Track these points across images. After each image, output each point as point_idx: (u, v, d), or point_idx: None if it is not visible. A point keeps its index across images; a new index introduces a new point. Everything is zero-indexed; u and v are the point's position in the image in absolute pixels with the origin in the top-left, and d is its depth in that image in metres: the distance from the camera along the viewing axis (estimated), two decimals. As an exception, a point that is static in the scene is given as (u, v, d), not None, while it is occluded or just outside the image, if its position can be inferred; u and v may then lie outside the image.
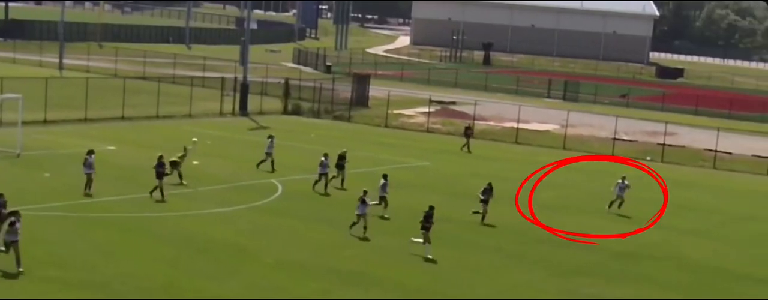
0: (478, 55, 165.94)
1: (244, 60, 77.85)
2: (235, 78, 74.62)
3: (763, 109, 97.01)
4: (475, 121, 70.53)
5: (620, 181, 44.38)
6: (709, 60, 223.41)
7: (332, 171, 44.69)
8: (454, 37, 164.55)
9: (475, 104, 74.58)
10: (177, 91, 74.00)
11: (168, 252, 32.39)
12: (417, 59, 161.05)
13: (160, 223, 36.48)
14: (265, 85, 79.30)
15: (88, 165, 39.69)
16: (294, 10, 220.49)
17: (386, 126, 71.30)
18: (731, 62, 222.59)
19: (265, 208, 40.59)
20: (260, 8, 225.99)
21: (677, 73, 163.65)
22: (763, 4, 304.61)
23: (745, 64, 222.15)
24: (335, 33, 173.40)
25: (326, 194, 43.35)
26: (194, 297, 28.18)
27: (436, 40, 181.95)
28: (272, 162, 48.58)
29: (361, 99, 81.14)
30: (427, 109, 77.21)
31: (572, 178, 53.82)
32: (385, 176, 40.79)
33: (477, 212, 40.28)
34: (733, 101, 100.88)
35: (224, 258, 32.16)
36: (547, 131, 73.74)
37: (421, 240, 33.91)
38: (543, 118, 78.53)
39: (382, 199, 40.12)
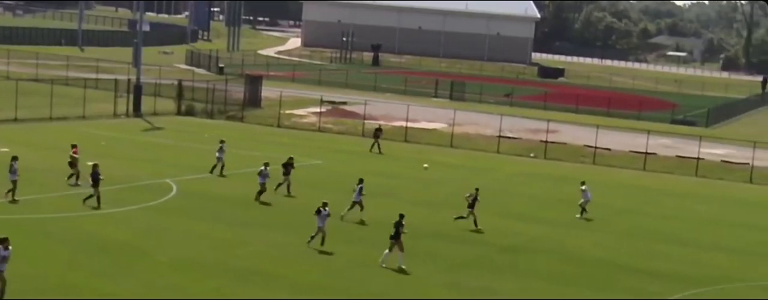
0: (368, 56, 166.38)
1: (136, 61, 76.87)
2: (129, 79, 73.63)
3: (639, 107, 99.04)
4: (366, 121, 70.72)
5: (583, 187, 44.62)
6: (588, 60, 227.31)
7: (278, 178, 44.03)
8: (344, 39, 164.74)
9: (365, 104, 74.81)
10: (70, 92, 72.68)
11: (64, 252, 31.85)
12: (308, 60, 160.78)
13: (56, 224, 35.83)
14: (159, 87, 78.32)
15: (13, 171, 38.74)
16: (186, 12, 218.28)
17: (279, 126, 71.05)
18: (609, 62, 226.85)
19: (160, 207, 40.16)
20: (152, 10, 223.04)
21: (558, 72, 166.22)
22: (638, 5, 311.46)
23: (622, 63, 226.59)
24: (227, 35, 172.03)
25: (266, 204, 42.07)
26: (91, 297, 27.75)
27: (327, 42, 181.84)
28: (222, 167, 48.17)
29: (253, 99, 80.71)
30: (318, 109, 77.16)
31: (457, 175, 54.24)
32: (361, 181, 40.50)
33: (461, 217, 40.29)
34: (611, 99, 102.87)
35: (120, 258, 31.74)
36: (434, 129, 74.29)
37: (389, 251, 33.26)
38: (431, 116, 79.08)
39: (356, 203, 39.87)
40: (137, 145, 57.31)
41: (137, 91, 72.04)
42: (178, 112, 73.90)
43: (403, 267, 32.82)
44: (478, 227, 39.71)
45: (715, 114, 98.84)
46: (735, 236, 43.19)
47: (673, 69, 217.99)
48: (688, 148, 68.52)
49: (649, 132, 68.43)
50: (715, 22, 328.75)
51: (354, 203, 40.05)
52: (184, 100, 75.61)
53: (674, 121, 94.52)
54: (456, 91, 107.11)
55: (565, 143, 69.48)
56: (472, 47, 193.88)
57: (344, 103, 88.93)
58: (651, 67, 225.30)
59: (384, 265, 32.85)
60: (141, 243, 33.80)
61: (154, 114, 71.45)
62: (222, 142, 48.91)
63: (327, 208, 34.77)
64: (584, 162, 63.79)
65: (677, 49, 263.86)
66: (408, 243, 34.90)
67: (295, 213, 40.06)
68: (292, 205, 41.82)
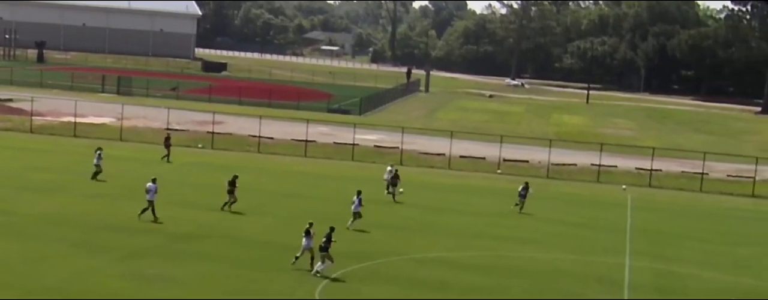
0: (32, 53, 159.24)
1: None
2: None
3: (298, 98, 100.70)
4: (33, 118, 67.72)
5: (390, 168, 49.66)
6: (249, 55, 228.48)
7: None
8: (6, 36, 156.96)
9: (32, 101, 71.70)
10: None
11: None
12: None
13: None
14: None
15: None
16: None
17: (-58, 124, 66.78)
18: (268, 56, 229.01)
19: None
20: None
21: (221, 67, 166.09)
22: (293, 3, 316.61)
23: (280, 57, 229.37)
24: None
25: (157, 221, 38.89)
26: None
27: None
28: (97, 173, 47.68)
29: None
30: (-17, 107, 73.14)
31: (129, 168, 53.04)
32: (359, 192, 40.92)
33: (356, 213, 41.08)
34: (272, 91, 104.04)
35: None
36: (103, 124, 72.29)
37: (321, 263, 32.16)
38: (99, 111, 77.01)
39: (356, 214, 40.21)
40: None
41: None
42: None
43: (328, 275, 32.17)
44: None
45: (367, 103, 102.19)
46: (391, 214, 44.85)
47: (328, 62, 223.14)
48: (344, 135, 70.43)
49: (308, 121, 69.71)
50: (364, 18, 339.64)
51: (355, 214, 40.26)
52: None
53: (330, 110, 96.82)
54: (123, 86, 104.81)
55: (231, 133, 69.54)
56: (137, 43, 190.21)
57: (10, 100, 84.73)
58: (307, 60, 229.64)
59: (318, 276, 31.98)
60: None
61: None
62: (99, 149, 48.58)
63: (313, 229, 33.20)
64: (250, 151, 64.15)
65: (330, 44, 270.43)
66: (86, 237, 33.94)
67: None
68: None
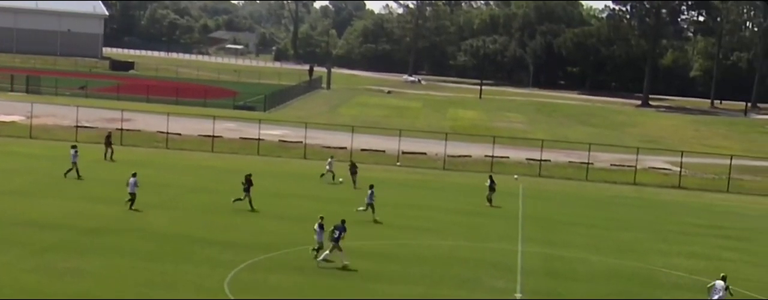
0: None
1: None
2: None
3: (204, 95, 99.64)
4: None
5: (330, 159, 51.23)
6: (156, 54, 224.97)
7: (237, 194, 42.61)
8: None
9: (-60, 100, 69.73)
10: None
11: None
12: None
13: None
14: None
15: None
16: None
17: None
18: (175, 55, 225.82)
19: None
20: None
21: (129, 66, 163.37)
22: (198, 3, 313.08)
23: (187, 56, 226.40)
24: None
25: (131, 209, 40.02)
26: None
27: None
28: (77, 170, 46.83)
29: None
30: None
31: (39, 165, 51.93)
32: (371, 187, 42.40)
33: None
34: (179, 89, 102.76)
35: None
36: (13, 122, 70.61)
37: (329, 252, 32.77)
38: (8, 110, 75.23)
39: (369, 205, 41.76)
40: None
41: None
42: None
43: (347, 263, 32.70)
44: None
45: (272, 99, 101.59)
46: (294, 206, 44.72)
47: (232, 60, 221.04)
48: (250, 131, 69.95)
49: (214, 117, 69.12)
50: (267, 18, 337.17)
51: (368, 205, 41.83)
52: None
53: (236, 107, 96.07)
54: (32, 85, 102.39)
55: (139, 130, 68.56)
56: (45, 43, 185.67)
57: None
58: (213, 59, 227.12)
59: (321, 266, 32.52)
60: None
61: None
62: (74, 147, 48.36)
63: (324, 222, 33.82)
64: (158, 147, 63.30)
65: (235, 43, 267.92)
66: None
67: None
68: None
